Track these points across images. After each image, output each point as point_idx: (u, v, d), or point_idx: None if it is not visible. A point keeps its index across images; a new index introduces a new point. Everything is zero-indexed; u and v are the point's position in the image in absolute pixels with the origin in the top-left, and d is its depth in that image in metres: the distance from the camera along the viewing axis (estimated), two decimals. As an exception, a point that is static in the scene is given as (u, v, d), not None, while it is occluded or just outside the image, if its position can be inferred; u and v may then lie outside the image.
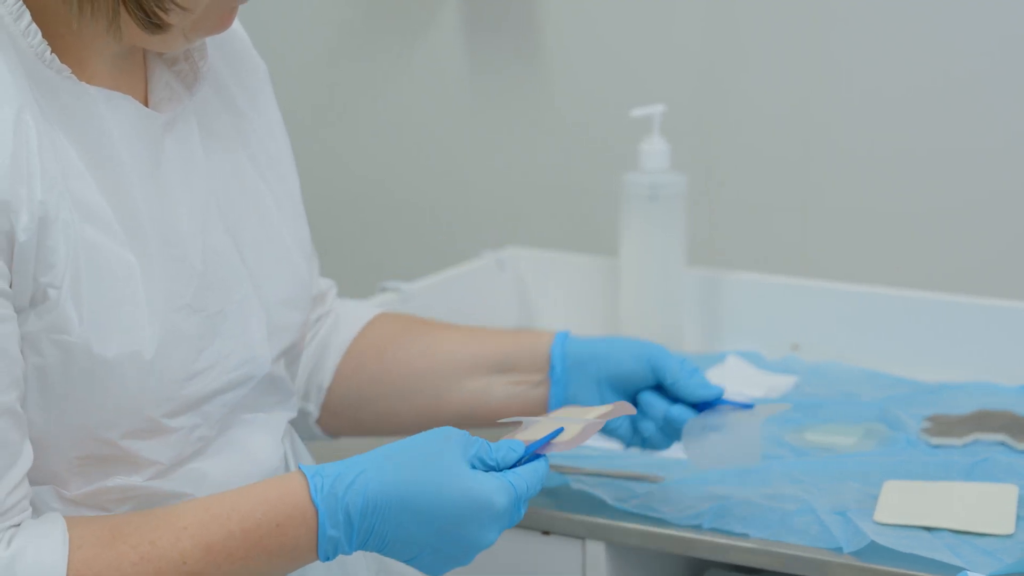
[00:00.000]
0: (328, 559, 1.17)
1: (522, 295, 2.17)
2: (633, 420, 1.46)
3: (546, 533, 1.54)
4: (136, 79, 1.24)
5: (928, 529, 1.43)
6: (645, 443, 1.47)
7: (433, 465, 1.17)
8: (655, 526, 1.48)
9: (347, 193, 2.44)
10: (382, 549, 1.17)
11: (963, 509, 1.45)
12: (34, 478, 1.15)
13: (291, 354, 1.34)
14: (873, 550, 1.40)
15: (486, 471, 1.19)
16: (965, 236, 1.99)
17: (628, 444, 1.48)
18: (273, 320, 1.29)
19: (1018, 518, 1.44)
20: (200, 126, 1.27)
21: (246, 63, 1.36)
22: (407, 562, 1.19)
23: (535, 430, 1.26)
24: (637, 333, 1.98)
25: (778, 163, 2.08)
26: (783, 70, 2.06)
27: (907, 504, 1.47)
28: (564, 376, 1.46)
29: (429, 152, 2.36)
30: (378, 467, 1.16)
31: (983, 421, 1.67)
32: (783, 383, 1.85)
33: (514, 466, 1.21)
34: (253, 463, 1.26)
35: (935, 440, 1.64)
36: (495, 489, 1.17)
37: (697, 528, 1.47)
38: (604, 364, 1.46)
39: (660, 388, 1.46)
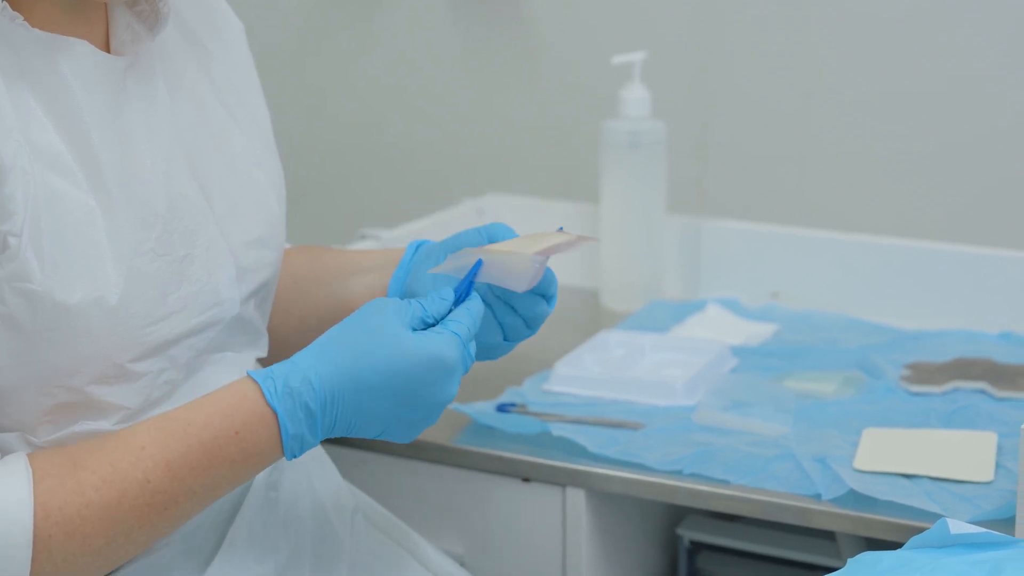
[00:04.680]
0: (295, 456, 1.17)
1: (502, 242, 2.17)
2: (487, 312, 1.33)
3: (526, 480, 1.54)
4: (95, 22, 1.22)
5: (907, 476, 1.43)
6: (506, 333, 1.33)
7: (378, 339, 1.16)
8: (636, 472, 1.48)
9: (328, 140, 2.43)
10: (349, 432, 1.17)
11: (943, 456, 1.45)
12: (2, 425, 1.15)
13: (262, 294, 1.33)
14: (852, 497, 1.41)
15: (426, 329, 1.19)
16: (946, 184, 1.99)
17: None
18: (241, 262, 1.28)
19: (997, 465, 1.44)
20: (164, 68, 1.26)
21: (215, 12, 1.35)
22: (377, 437, 1.19)
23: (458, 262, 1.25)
24: (618, 280, 1.98)
25: (761, 111, 2.07)
26: (768, 21, 2.05)
27: (887, 451, 1.47)
28: (409, 262, 1.40)
29: (410, 100, 2.35)
30: (326, 357, 1.16)
31: (963, 369, 1.67)
32: (763, 331, 1.85)
33: (449, 312, 1.21)
34: None
35: (915, 387, 1.64)
36: (443, 344, 1.17)
37: (678, 474, 1.47)
38: (450, 242, 1.37)
39: None
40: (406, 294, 1.38)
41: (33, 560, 1.08)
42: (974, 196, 1.97)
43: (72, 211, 1.13)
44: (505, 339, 1.32)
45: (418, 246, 1.40)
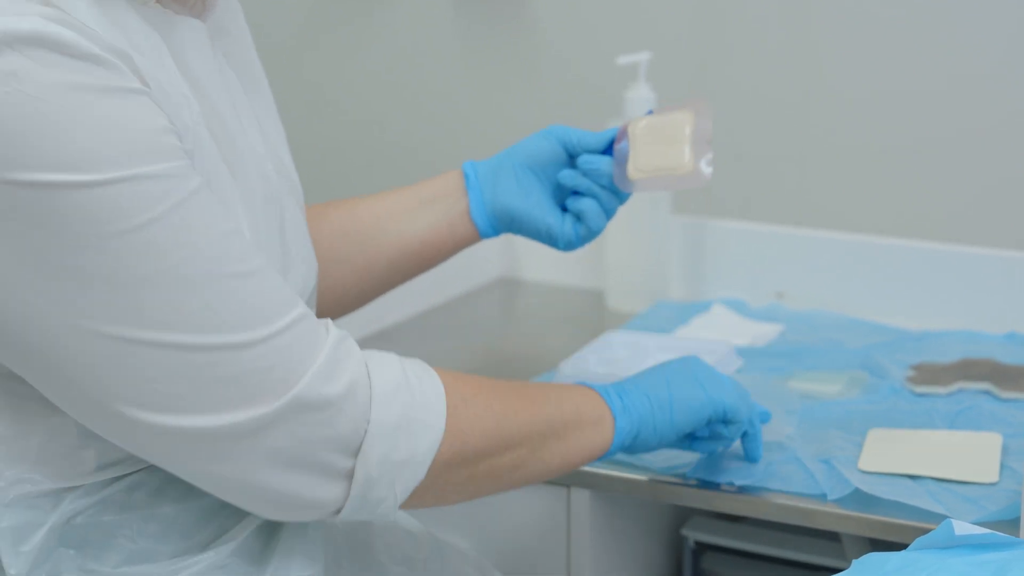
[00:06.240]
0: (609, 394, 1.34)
1: (506, 243, 2.17)
2: (569, 205, 1.47)
3: (531, 481, 1.54)
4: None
5: (912, 477, 1.43)
6: (584, 224, 1.47)
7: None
8: (640, 474, 1.48)
9: (328, 138, 2.43)
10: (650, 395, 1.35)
11: (947, 457, 1.45)
12: None
13: None
14: (857, 498, 1.41)
15: None
16: (950, 184, 1.99)
17: (568, 241, 1.48)
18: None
19: (1002, 466, 1.44)
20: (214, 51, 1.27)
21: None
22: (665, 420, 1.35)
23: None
24: (623, 281, 1.98)
25: (765, 111, 2.07)
26: (769, 20, 2.05)
27: (891, 452, 1.47)
28: (478, 181, 1.47)
29: (414, 98, 2.35)
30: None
31: (967, 369, 1.67)
32: (768, 331, 1.86)
33: None
34: None
35: (919, 388, 1.64)
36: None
37: (682, 475, 1.47)
38: (517, 154, 1.46)
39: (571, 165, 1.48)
40: (494, 214, 1.47)
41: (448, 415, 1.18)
42: (976, 196, 1.97)
43: (222, 182, 1.15)
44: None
45: (473, 166, 1.48)
